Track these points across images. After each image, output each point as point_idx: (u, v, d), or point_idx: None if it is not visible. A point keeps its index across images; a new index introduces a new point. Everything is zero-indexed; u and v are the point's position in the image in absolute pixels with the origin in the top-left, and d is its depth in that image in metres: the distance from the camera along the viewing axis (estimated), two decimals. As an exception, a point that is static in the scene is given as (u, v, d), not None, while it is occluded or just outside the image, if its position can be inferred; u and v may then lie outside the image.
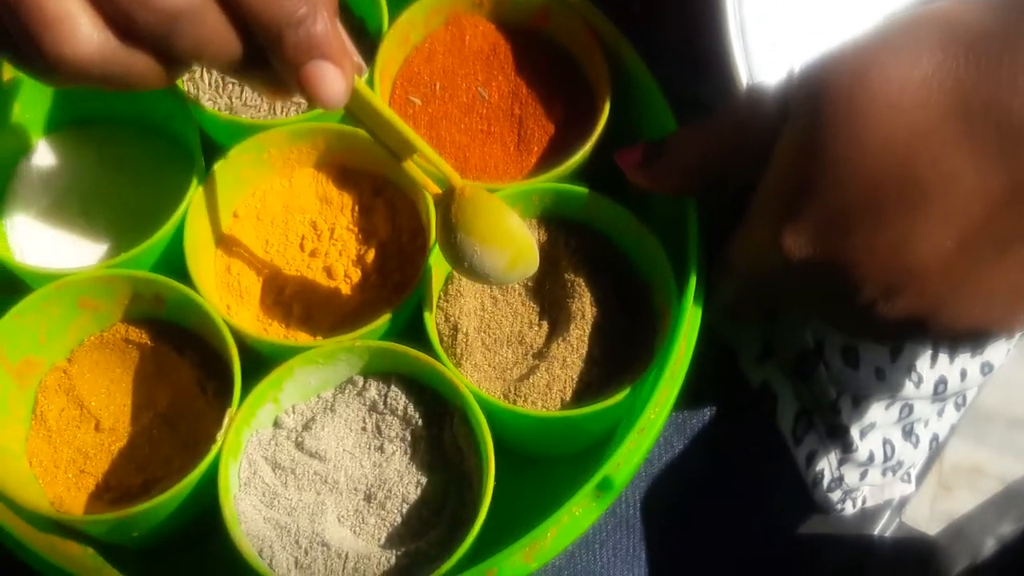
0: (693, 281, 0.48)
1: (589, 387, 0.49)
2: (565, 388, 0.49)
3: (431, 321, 0.49)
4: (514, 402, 0.48)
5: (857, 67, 0.40)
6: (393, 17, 0.52)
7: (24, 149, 0.53)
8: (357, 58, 0.41)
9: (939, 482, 1.05)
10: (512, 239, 0.46)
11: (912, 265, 0.40)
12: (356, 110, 0.44)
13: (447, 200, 0.46)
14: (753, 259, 0.45)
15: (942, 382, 0.62)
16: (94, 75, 0.35)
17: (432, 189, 0.47)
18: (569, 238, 0.52)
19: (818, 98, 0.40)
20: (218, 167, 0.50)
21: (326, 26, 0.38)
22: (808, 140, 0.41)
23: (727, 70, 0.47)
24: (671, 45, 0.52)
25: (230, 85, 0.53)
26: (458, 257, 0.46)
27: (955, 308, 0.41)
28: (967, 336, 0.42)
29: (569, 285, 0.50)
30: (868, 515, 0.75)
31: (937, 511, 1.10)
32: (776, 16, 0.47)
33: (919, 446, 0.66)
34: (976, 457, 1.10)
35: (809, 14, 0.47)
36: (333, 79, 0.39)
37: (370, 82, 0.51)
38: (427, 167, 0.47)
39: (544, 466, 0.53)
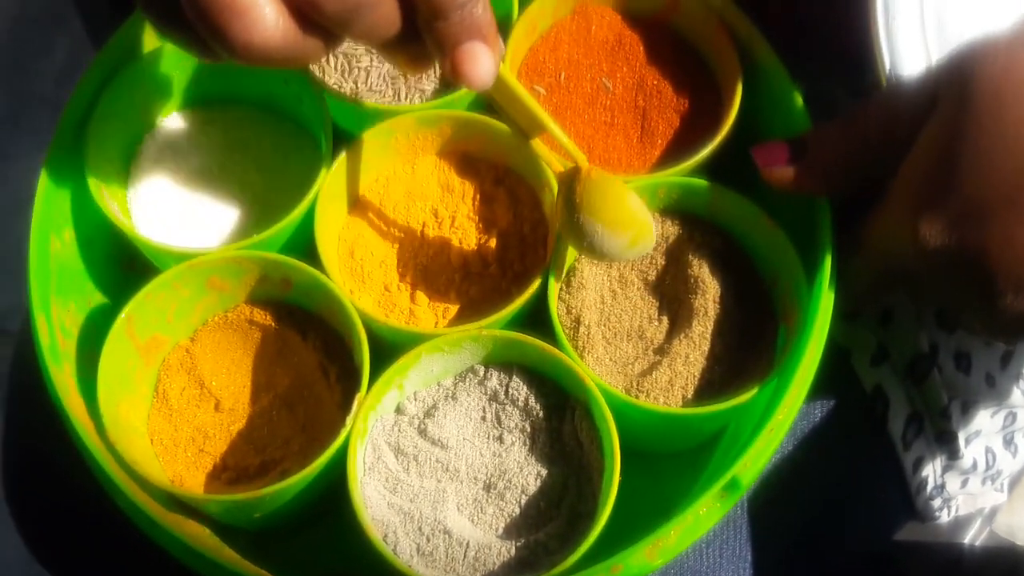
0: (826, 282, 0.47)
1: (710, 385, 0.49)
2: (687, 385, 0.48)
3: (556, 312, 0.48)
4: (636, 397, 0.48)
5: (1007, 59, 0.40)
6: (523, 6, 0.52)
7: (151, 126, 0.53)
8: (499, 40, 0.42)
9: (999, 494, 1.03)
10: (634, 221, 0.46)
11: None
12: (492, 89, 0.44)
13: (572, 180, 0.47)
14: (887, 244, 0.44)
15: (1048, 390, 0.61)
16: (274, 59, 0.36)
17: (556, 168, 0.48)
18: (693, 233, 0.51)
19: (966, 88, 0.40)
20: (347, 152, 0.50)
21: (486, 9, 0.39)
22: (953, 129, 0.41)
23: (870, 66, 0.46)
24: (807, 40, 0.51)
25: (356, 70, 0.53)
26: (580, 236, 0.47)
27: None
28: None
29: (692, 281, 0.50)
30: (960, 523, 0.74)
31: (999, 524, 1.08)
32: (923, 12, 0.46)
33: (1017, 456, 0.65)
34: (1036, 469, 1.08)
35: (955, 13, 0.46)
36: (486, 60, 0.39)
37: (498, 70, 0.51)
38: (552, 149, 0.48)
39: (650, 461, 0.53)
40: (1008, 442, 0.64)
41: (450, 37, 0.38)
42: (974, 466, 0.61)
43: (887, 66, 0.46)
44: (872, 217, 0.45)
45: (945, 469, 0.61)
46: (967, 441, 0.60)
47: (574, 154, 0.47)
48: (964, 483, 0.63)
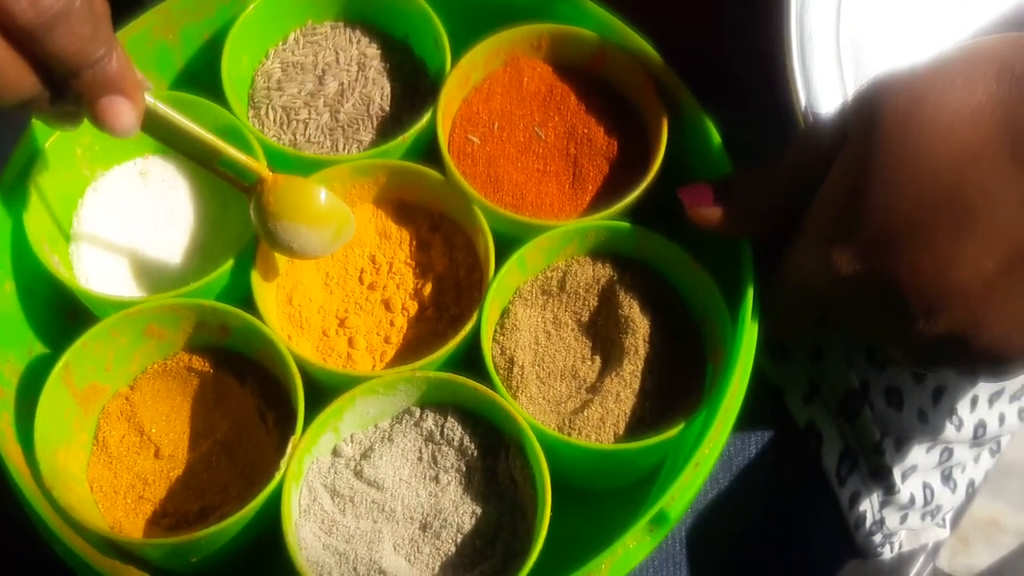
0: (747, 318, 0.48)
1: (641, 421, 0.50)
2: (618, 422, 0.50)
3: (489, 353, 0.50)
4: (568, 435, 0.49)
5: (913, 92, 0.42)
6: (455, 58, 0.54)
7: (92, 178, 0.54)
8: (143, 79, 0.45)
9: (957, 535, 1.04)
10: (332, 213, 0.49)
11: (954, 285, 0.41)
12: (152, 129, 0.46)
13: (260, 192, 0.49)
14: (803, 274, 0.46)
15: (981, 426, 0.62)
16: None
17: (241, 185, 0.49)
18: (623, 274, 0.53)
19: (873, 119, 0.42)
20: (284, 200, 0.51)
21: (121, 64, 0.41)
22: (861, 160, 0.43)
23: (790, 111, 0.48)
24: (731, 88, 0.53)
25: (294, 122, 0.55)
26: (284, 242, 0.49)
27: (995, 329, 0.42)
28: (1008, 359, 0.43)
29: (623, 321, 0.51)
30: (904, 559, 0.75)
31: (956, 564, 1.09)
32: (839, 52, 0.48)
33: (956, 491, 0.66)
34: (994, 511, 1.10)
35: (870, 52, 0.49)
36: (126, 112, 0.42)
37: (432, 121, 0.53)
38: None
39: (591, 499, 0.54)
40: (947, 478, 0.65)
41: (87, 94, 0.41)
42: (912, 501, 0.62)
43: (803, 106, 0.48)
44: (789, 249, 0.47)
45: (883, 504, 0.62)
46: (903, 476, 0.61)
47: (255, 167, 0.49)
48: (904, 518, 0.64)
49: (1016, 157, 0.40)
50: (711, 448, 0.47)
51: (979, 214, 0.41)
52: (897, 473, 0.60)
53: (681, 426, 0.48)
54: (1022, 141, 0.40)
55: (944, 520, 0.70)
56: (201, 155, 0.48)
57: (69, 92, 0.41)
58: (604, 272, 0.53)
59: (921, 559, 0.76)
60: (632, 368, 0.50)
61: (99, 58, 0.40)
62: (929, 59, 0.43)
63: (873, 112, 0.42)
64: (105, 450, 0.50)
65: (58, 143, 0.52)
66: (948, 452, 0.63)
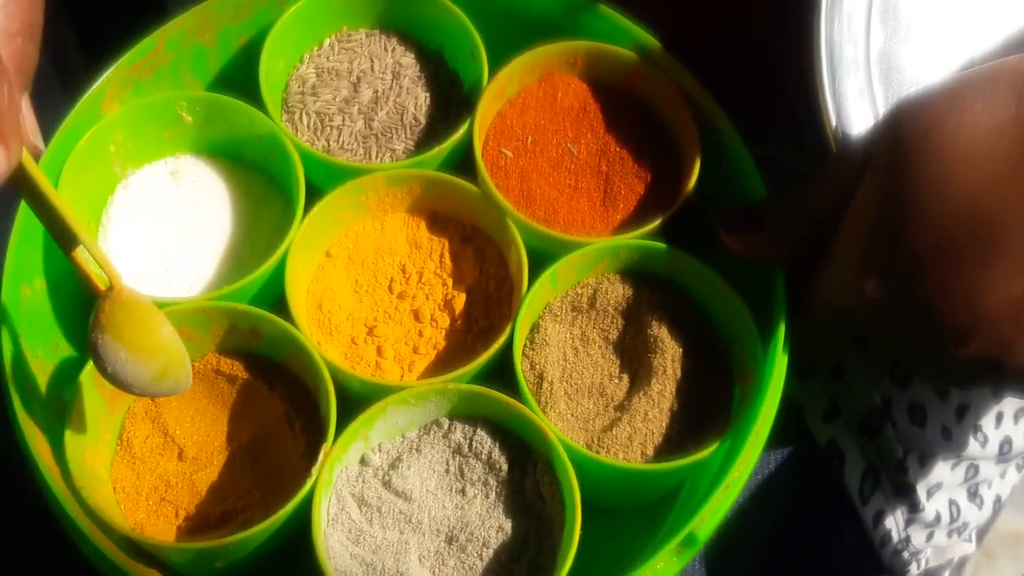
0: (780, 346, 0.49)
1: (669, 442, 0.50)
2: (646, 441, 0.50)
3: (520, 368, 0.50)
4: (597, 452, 0.49)
5: (932, 115, 0.42)
6: (492, 72, 0.54)
7: (123, 178, 0.54)
8: (36, 140, 0.39)
9: (982, 550, 1.04)
10: (162, 350, 0.44)
11: (983, 310, 0.41)
12: (25, 193, 0.41)
13: (102, 299, 0.43)
14: (834, 300, 0.46)
15: (1007, 442, 0.62)
16: None
17: (97, 285, 0.44)
18: (653, 294, 0.53)
19: (895, 143, 0.42)
20: (319, 207, 0.51)
21: (1, 101, 0.36)
22: (886, 184, 0.43)
23: (818, 128, 0.48)
24: (760, 105, 0.54)
25: (328, 128, 0.55)
26: (102, 361, 0.43)
27: None
28: None
29: (652, 340, 0.51)
30: (930, 574, 0.75)
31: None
32: (870, 73, 0.48)
33: (983, 507, 0.66)
34: (1019, 525, 1.10)
35: (900, 72, 0.49)
36: None
37: (467, 133, 0.53)
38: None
39: (611, 516, 0.53)
40: (973, 495, 0.65)
41: None
42: (937, 519, 0.62)
43: (834, 125, 0.48)
44: (819, 273, 0.47)
45: (908, 522, 0.62)
46: (928, 494, 0.61)
47: (108, 272, 0.43)
48: (930, 536, 0.63)
49: None
50: (741, 471, 0.47)
51: (1004, 239, 0.41)
52: (922, 491, 0.60)
53: (712, 447, 0.48)
54: None
55: (971, 536, 0.70)
56: (61, 237, 0.43)
57: None
58: (634, 291, 0.53)
59: (947, 574, 0.76)
60: (660, 388, 0.51)
61: None
62: (948, 81, 0.43)
63: (894, 136, 0.43)
64: (129, 450, 0.50)
65: (92, 140, 0.52)
66: (974, 469, 0.63)
